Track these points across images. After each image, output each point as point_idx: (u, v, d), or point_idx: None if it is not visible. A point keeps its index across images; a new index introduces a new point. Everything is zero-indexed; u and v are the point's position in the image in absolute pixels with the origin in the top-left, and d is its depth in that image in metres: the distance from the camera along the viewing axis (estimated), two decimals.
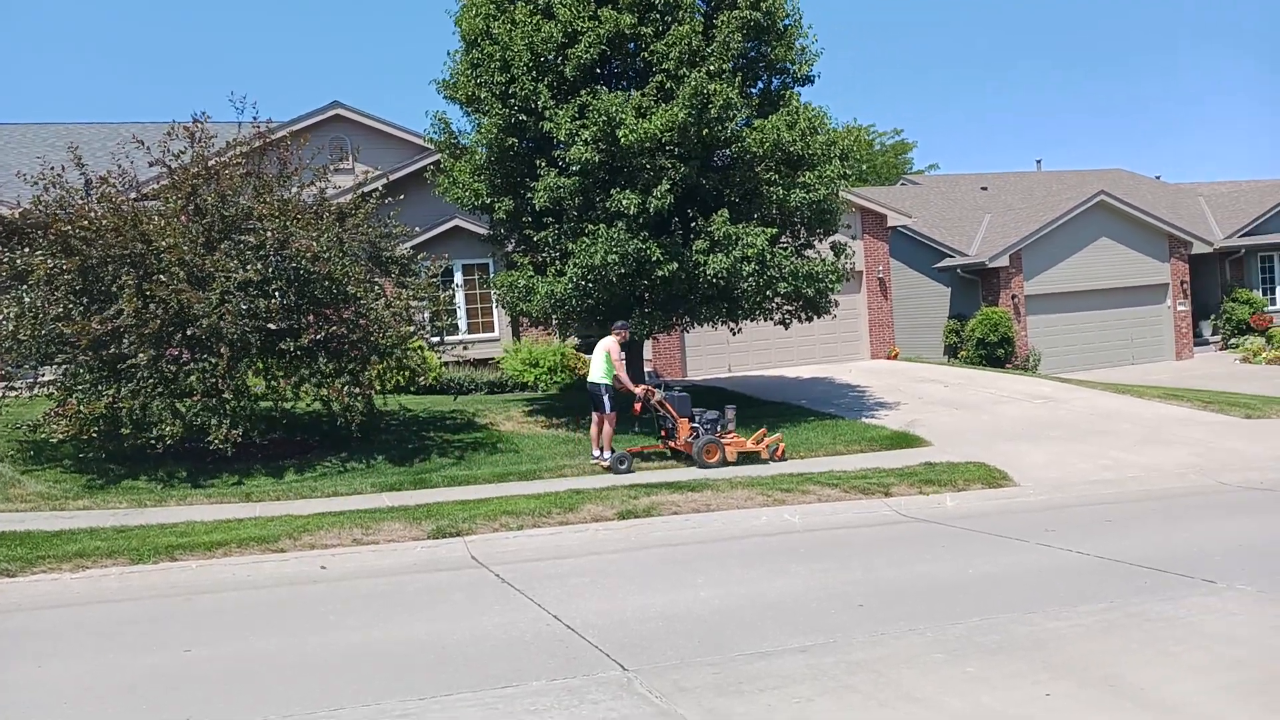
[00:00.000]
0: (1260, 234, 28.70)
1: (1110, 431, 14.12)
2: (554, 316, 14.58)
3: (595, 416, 12.20)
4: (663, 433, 12.66)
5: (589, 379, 12.37)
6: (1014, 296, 25.31)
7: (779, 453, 12.35)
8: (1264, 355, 25.52)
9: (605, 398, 12.07)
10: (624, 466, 11.72)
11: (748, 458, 12.20)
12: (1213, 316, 28.92)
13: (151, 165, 12.58)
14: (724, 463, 11.95)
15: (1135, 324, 26.94)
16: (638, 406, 12.71)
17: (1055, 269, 25.81)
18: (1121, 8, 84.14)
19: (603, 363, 12.25)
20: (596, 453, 12.13)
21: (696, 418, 12.37)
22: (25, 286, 11.59)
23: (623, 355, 12.72)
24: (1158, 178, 36.66)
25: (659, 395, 12.52)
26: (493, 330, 20.27)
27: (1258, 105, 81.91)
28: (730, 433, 12.38)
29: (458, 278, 19.73)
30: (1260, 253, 29.13)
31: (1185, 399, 16.97)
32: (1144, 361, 26.50)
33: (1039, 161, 39.19)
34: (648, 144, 12.60)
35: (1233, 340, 27.95)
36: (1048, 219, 25.79)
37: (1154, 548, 8.11)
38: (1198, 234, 27.79)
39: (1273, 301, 29.11)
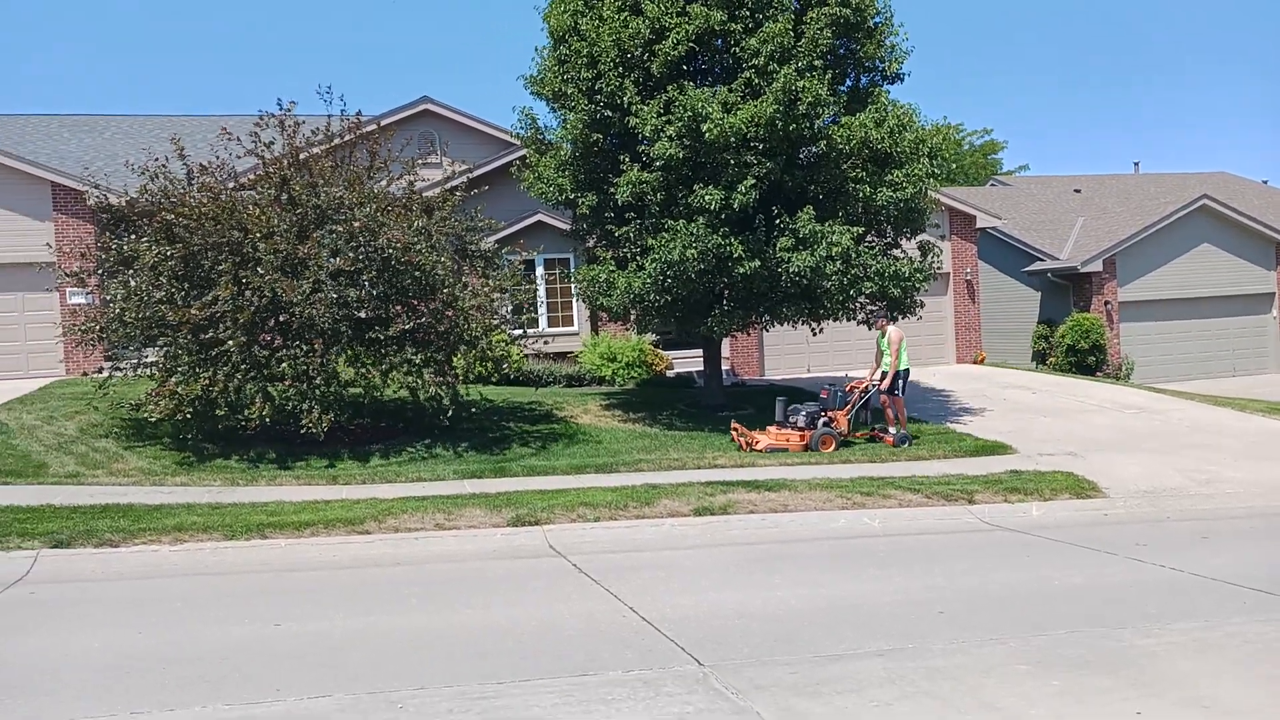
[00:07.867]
0: None
1: (1207, 445, 13.56)
2: (633, 312, 14.64)
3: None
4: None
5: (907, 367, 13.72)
6: (1107, 303, 24.47)
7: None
8: None
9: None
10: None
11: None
12: None
13: (242, 157, 12.98)
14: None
15: (1236, 334, 25.79)
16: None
17: (1151, 275, 24.88)
18: (1216, 7, 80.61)
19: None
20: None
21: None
22: (131, 271, 12.13)
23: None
24: (1265, 182, 35.03)
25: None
26: (572, 324, 20.43)
27: None
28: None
29: (539, 271, 19.95)
30: None
31: None
32: (1245, 374, 25.35)
33: (1137, 164, 37.63)
34: (732, 139, 12.55)
35: None
36: (1145, 223, 24.87)
37: (1253, 566, 7.77)
38: None
39: None
